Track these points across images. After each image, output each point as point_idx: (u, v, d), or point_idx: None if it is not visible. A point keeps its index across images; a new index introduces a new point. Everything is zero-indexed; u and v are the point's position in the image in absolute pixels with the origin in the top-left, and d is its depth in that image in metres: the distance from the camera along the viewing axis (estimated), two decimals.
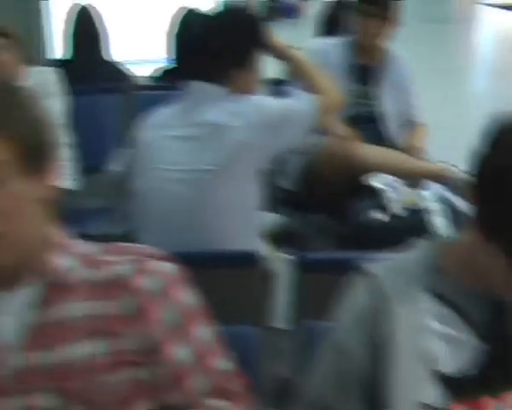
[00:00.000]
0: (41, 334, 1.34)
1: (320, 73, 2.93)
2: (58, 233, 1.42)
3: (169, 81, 4.76)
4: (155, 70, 5.21)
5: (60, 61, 5.19)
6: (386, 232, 3.10)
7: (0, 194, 1.27)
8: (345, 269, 2.14)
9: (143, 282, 1.38)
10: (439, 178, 3.42)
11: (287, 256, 2.79)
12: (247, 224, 2.67)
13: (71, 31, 5.11)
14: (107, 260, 1.41)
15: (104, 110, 4.58)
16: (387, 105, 3.87)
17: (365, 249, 2.89)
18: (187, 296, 1.43)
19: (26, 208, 1.32)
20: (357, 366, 1.50)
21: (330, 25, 5.04)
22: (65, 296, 1.36)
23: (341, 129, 3.48)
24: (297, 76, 2.98)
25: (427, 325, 1.47)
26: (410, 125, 3.96)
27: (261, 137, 2.59)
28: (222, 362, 1.46)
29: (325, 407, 1.54)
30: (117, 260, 1.41)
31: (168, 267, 1.43)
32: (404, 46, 4.02)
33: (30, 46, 5.62)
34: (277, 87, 4.35)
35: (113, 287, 1.37)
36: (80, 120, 4.18)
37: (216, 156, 2.54)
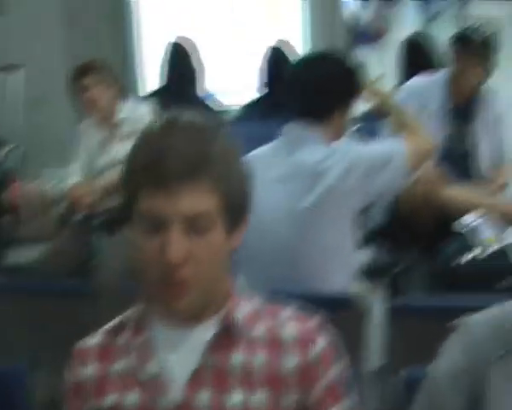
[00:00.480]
0: (205, 376, 1.42)
1: (412, 119, 2.95)
2: (232, 283, 1.51)
3: (260, 113, 4.85)
4: (247, 102, 5.30)
5: (152, 93, 5.32)
6: (470, 276, 3.08)
7: (200, 242, 1.35)
8: (439, 315, 2.17)
9: (309, 348, 1.45)
10: None
11: (380, 294, 2.81)
12: (342, 264, 2.70)
13: (166, 65, 5.24)
14: (274, 320, 1.49)
15: None
16: (480, 144, 3.86)
17: (456, 291, 2.90)
18: (339, 367, 1.50)
19: (216, 256, 1.40)
20: None
21: (413, 56, 5.07)
22: (234, 345, 1.44)
23: (429, 170, 3.48)
24: (392, 123, 3.00)
25: None
26: (501, 162, 3.94)
27: (356, 183, 2.62)
28: None
29: None
30: (283, 323, 1.48)
31: (327, 339, 1.49)
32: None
33: (122, 80, 5.77)
34: (364, 124, 4.39)
35: (279, 346, 1.45)
36: None
37: (312, 198, 2.58)
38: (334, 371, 1.47)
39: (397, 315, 2.41)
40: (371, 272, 3.29)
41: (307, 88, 2.76)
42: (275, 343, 1.45)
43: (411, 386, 1.72)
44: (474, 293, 2.44)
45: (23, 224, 4.62)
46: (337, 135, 2.76)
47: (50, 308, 2.84)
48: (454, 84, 3.82)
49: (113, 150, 4.07)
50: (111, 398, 1.45)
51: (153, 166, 1.33)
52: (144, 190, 1.35)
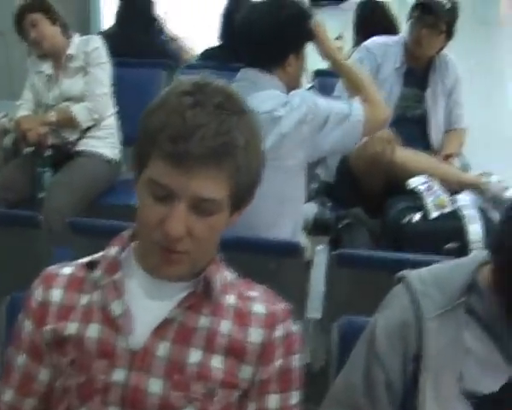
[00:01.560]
0: (170, 329, 1.43)
1: (370, 84, 2.91)
2: (216, 250, 1.51)
3: (217, 61, 4.82)
4: (206, 49, 5.26)
5: (108, 31, 5.25)
6: (419, 234, 3.13)
7: (202, 222, 1.36)
8: (383, 268, 2.20)
9: (275, 328, 1.47)
10: (473, 188, 3.46)
11: (323, 248, 2.84)
12: (290, 214, 2.71)
13: (122, 4, 5.18)
14: (246, 294, 1.51)
15: (146, 84, 4.48)
16: (434, 109, 3.90)
17: (398, 248, 2.94)
18: (298, 359, 1.50)
19: (214, 235, 1.42)
20: (387, 375, 1.54)
21: (366, 20, 5.09)
22: (205, 307, 1.46)
23: (383, 130, 3.51)
24: (348, 84, 2.98)
25: (460, 344, 1.50)
26: (452, 129, 3.99)
27: (308, 134, 2.62)
28: None
29: (352, 406, 1.58)
30: (254, 298, 1.50)
31: (294, 327, 1.51)
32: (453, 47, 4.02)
33: (77, 17, 5.65)
34: (323, 79, 4.39)
35: (247, 319, 1.47)
36: (122, 92, 4.20)
37: (265, 145, 2.58)
38: (290, 360, 1.48)
39: (339, 266, 2.45)
40: (316, 227, 3.33)
41: (259, 35, 2.74)
42: (243, 315, 1.47)
43: (349, 334, 1.77)
44: (420, 252, 2.47)
45: None
46: (294, 80, 2.78)
47: None
48: (414, 48, 3.83)
49: (63, 85, 4.03)
50: (72, 327, 1.46)
51: (177, 142, 1.32)
52: (160, 159, 1.34)
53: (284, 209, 2.68)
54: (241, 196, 1.43)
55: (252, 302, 1.49)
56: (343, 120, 2.70)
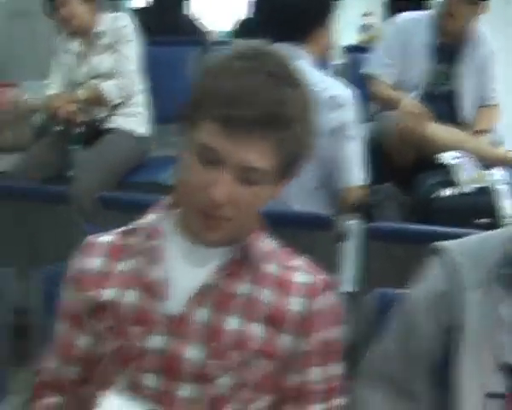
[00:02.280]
0: (209, 295, 1.42)
1: None
2: (259, 219, 1.50)
3: (247, 36, 4.81)
4: (235, 25, 5.26)
5: (137, 10, 5.25)
6: (451, 209, 3.11)
7: (247, 191, 1.35)
8: (414, 241, 2.19)
9: (316, 298, 1.46)
10: (504, 163, 3.43)
11: (356, 222, 2.83)
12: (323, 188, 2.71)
13: None
14: (287, 263, 1.50)
15: (179, 62, 4.47)
16: (465, 85, 3.85)
17: (429, 224, 2.93)
18: (340, 330, 1.50)
19: (257, 204, 1.41)
20: (426, 347, 1.53)
21: None
22: (245, 274, 1.45)
23: (414, 105, 3.49)
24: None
25: (498, 315, 1.48)
26: (484, 106, 3.94)
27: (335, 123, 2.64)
28: (341, 401, 1.53)
29: (389, 378, 1.57)
30: (296, 268, 1.49)
31: (335, 298, 1.51)
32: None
33: None
34: (354, 54, 4.38)
35: (288, 287, 1.45)
36: (154, 70, 4.21)
37: None
38: (333, 332, 1.48)
39: (371, 239, 2.44)
40: None
41: (293, 10, 2.73)
42: (283, 284, 1.46)
43: (381, 307, 1.77)
44: (450, 226, 2.45)
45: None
46: (323, 50, 2.81)
47: (25, 212, 2.84)
48: (446, 20, 3.78)
49: (92, 62, 4.03)
50: (110, 293, 1.46)
51: (230, 106, 1.30)
52: (211, 122, 1.33)
53: (316, 183, 2.68)
54: (288, 168, 1.41)
55: (293, 272, 1.48)
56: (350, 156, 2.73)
